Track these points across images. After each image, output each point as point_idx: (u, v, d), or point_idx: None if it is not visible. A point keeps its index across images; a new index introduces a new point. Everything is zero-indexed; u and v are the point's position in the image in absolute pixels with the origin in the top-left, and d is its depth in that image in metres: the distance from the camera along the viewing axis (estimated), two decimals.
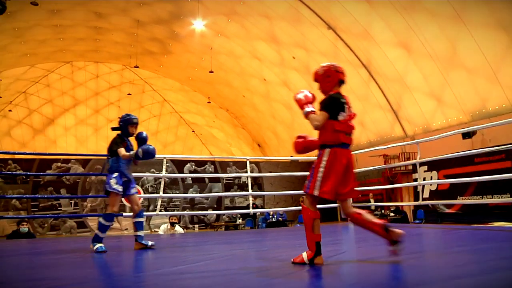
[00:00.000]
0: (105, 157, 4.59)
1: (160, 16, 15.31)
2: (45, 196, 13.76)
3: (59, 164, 14.08)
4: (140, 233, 4.48)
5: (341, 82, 3.17)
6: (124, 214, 10.79)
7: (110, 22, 15.70)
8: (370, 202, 12.71)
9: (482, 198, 10.08)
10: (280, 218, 13.15)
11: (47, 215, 13.32)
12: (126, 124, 4.54)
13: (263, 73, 17.26)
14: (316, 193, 2.96)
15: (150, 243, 4.42)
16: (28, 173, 12.93)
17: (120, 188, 4.38)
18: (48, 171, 13.67)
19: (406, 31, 11.34)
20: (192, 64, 19.09)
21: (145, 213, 4.49)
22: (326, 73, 3.15)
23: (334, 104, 3.07)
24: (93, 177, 14.36)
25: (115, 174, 4.40)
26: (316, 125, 3.07)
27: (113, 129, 4.61)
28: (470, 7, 9.75)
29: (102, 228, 4.28)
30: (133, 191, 4.57)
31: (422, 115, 12.66)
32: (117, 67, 21.01)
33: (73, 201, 14.14)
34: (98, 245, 4.19)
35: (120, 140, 4.52)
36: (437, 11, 10.34)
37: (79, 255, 4.03)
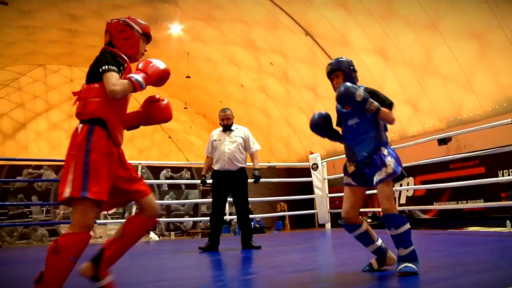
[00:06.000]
0: None
1: None
2: (15, 203, 13.38)
3: (30, 170, 13.73)
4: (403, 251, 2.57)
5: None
6: (98, 221, 10.61)
7: (85, 25, 15.45)
8: None
9: (457, 204, 10.28)
10: (257, 225, 13.12)
11: (17, 224, 12.95)
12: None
13: (241, 79, 17.27)
14: (87, 194, 1.96)
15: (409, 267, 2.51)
16: None
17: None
18: (19, 178, 13.31)
19: (382, 39, 11.53)
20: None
21: (119, 220, 4.35)
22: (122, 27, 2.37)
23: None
24: None
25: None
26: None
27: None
28: (445, 16, 9.99)
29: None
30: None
31: (399, 121, 12.85)
32: None
33: (44, 209, 13.78)
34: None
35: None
36: (413, 19, 10.56)
37: None
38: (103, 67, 2.07)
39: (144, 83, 2.13)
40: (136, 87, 2.09)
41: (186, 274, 3.16)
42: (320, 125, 2.95)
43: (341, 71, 2.86)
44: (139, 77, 2.10)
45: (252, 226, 12.87)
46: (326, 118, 2.96)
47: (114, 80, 2.04)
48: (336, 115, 3.00)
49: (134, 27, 2.34)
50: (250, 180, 5.04)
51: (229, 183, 4.84)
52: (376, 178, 2.64)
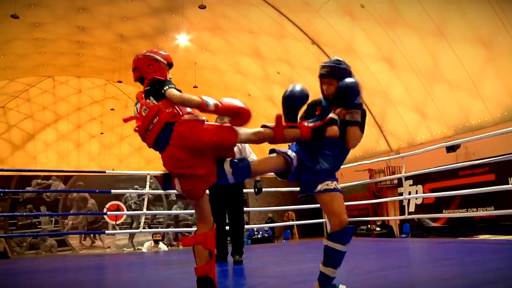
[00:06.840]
0: (86, 173, 4.21)
1: (144, 31, 15.28)
2: (24, 214, 13.44)
3: (39, 180, 13.79)
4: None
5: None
6: (106, 231, 10.64)
7: (93, 36, 15.61)
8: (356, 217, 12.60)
9: (467, 211, 10.16)
10: (265, 234, 13.05)
11: (26, 234, 12.99)
12: None
13: (248, 88, 17.30)
14: None
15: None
16: (6, 190, 12.62)
17: None
18: (28, 188, 13.36)
19: (388, 45, 11.51)
20: (176, 79, 18.57)
21: (128, 231, 4.34)
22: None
23: None
24: (74, 194, 14.07)
25: None
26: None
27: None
28: (450, 22, 9.96)
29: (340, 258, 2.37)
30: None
31: (406, 129, 12.80)
32: (100, 82, 20.81)
33: (53, 219, 13.83)
34: None
35: None
36: (418, 25, 10.54)
37: (58, 275, 3.92)
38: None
39: (213, 107, 2.33)
40: (202, 105, 2.34)
41: (192, 285, 3.13)
42: (296, 102, 2.48)
43: (336, 81, 2.45)
44: (210, 99, 2.36)
45: (261, 236, 12.85)
46: (306, 97, 2.49)
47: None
48: (307, 106, 2.54)
49: (159, 60, 2.56)
50: (247, 190, 4.96)
51: (225, 193, 4.73)
52: (321, 187, 2.37)
